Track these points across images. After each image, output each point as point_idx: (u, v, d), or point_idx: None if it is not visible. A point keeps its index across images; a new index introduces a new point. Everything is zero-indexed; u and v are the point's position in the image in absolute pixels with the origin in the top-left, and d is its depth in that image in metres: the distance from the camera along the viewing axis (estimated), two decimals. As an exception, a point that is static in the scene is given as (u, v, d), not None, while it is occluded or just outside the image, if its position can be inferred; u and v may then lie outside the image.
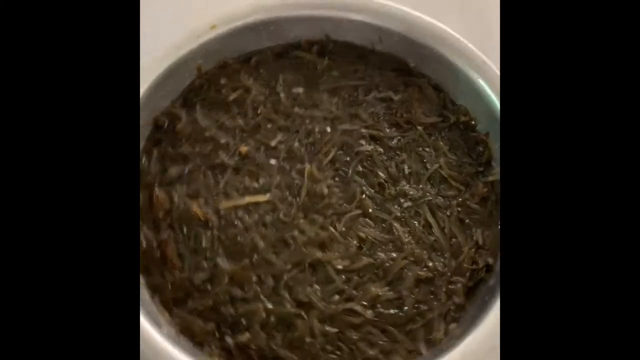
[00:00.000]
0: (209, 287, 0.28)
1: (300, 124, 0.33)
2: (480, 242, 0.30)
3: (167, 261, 0.29)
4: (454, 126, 0.33)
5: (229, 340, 0.27)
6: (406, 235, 0.30)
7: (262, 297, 0.28)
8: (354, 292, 0.28)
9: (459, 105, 0.34)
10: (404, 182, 0.31)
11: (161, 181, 0.31)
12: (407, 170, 0.32)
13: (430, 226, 0.30)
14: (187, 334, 0.27)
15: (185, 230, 0.29)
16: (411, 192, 0.31)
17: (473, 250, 0.30)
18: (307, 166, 0.31)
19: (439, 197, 0.31)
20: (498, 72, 0.32)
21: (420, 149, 0.32)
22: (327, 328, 0.27)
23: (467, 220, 0.31)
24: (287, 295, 0.28)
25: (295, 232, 0.29)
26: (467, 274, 0.29)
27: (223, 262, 0.28)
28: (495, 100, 0.32)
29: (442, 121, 0.33)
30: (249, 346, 0.27)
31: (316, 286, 0.28)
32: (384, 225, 0.30)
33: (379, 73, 0.34)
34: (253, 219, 0.30)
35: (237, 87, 0.34)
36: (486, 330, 0.27)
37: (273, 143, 0.32)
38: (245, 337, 0.27)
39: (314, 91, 0.34)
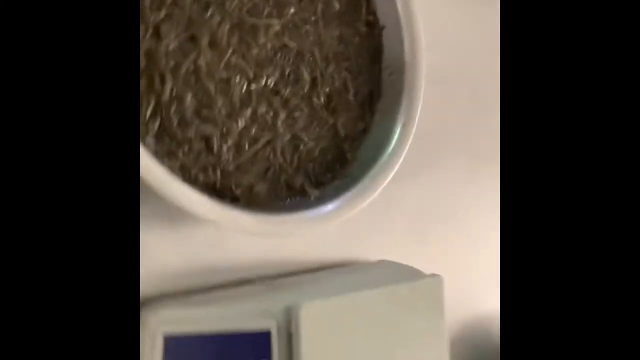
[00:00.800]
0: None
1: (305, 15, 0.36)
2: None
3: None
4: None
5: None
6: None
7: None
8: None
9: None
10: (283, 113, 0.35)
11: None
12: (296, 116, 0.35)
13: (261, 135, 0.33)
14: None
15: None
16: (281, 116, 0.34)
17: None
18: (275, 21, 0.34)
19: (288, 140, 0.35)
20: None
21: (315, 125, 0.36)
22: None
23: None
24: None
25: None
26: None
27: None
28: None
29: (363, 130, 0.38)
30: None
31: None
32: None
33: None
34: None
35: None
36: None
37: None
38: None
39: (339, 21, 0.38)
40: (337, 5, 0.37)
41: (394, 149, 0.37)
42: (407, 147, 0.37)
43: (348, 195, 0.35)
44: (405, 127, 0.38)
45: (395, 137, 0.38)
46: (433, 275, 0.36)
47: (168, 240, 0.34)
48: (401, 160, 0.37)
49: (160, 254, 0.33)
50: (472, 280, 0.49)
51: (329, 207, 0.34)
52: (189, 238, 0.34)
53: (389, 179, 0.36)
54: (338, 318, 0.30)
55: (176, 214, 0.34)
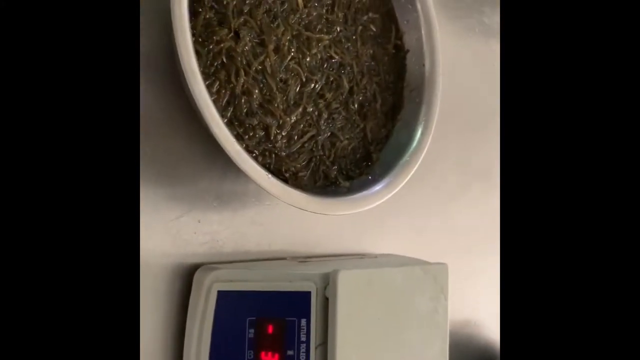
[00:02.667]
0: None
1: (348, 33, 0.42)
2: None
3: None
4: None
5: None
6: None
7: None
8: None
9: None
10: (325, 113, 0.40)
11: None
12: (335, 117, 0.41)
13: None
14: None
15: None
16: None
17: None
18: (325, 36, 0.40)
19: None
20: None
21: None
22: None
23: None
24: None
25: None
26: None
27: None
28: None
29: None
30: None
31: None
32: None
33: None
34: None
35: None
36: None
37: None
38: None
39: (374, 42, 0.44)
40: (373, 29, 0.44)
41: (411, 154, 0.43)
42: (424, 153, 0.44)
43: (375, 188, 0.41)
44: (422, 136, 0.44)
45: (414, 144, 0.44)
46: (440, 263, 0.42)
47: (220, 216, 0.39)
48: (418, 164, 0.43)
49: (212, 227, 0.38)
50: (463, 280, 0.55)
51: (358, 196, 0.40)
52: (237, 216, 0.39)
53: (407, 178, 0.42)
54: (367, 287, 0.36)
55: (228, 195, 0.39)
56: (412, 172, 0.42)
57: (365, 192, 0.40)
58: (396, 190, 0.41)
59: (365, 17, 0.43)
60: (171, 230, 0.36)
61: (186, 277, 0.37)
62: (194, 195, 0.38)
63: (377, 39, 0.44)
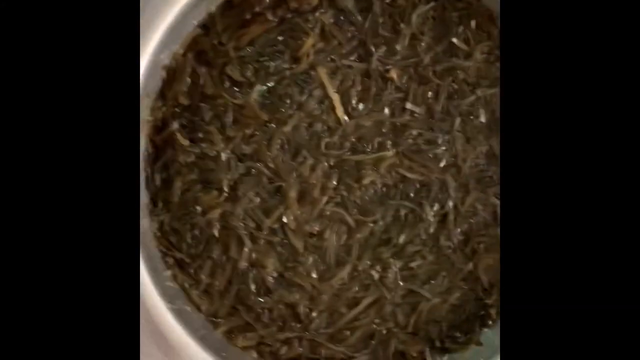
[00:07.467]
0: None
1: (435, 134, 0.28)
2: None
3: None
4: None
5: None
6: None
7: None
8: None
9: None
10: (395, 265, 0.28)
11: None
12: (414, 266, 0.28)
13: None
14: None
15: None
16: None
17: None
18: (389, 152, 0.27)
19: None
20: None
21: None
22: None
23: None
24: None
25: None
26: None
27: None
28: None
29: None
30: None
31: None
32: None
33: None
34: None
35: None
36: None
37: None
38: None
39: (488, 132, 0.28)
40: (483, 116, 0.28)
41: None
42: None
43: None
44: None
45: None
46: None
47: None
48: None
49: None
50: None
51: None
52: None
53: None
54: None
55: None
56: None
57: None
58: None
59: (467, 101, 0.28)
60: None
61: None
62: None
63: (493, 127, 0.28)
